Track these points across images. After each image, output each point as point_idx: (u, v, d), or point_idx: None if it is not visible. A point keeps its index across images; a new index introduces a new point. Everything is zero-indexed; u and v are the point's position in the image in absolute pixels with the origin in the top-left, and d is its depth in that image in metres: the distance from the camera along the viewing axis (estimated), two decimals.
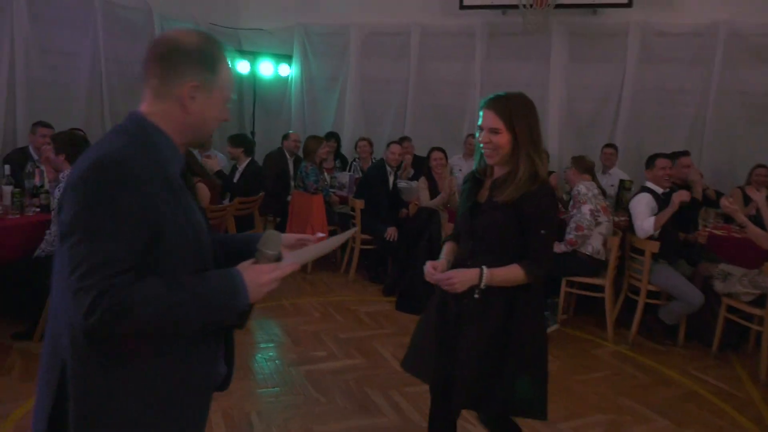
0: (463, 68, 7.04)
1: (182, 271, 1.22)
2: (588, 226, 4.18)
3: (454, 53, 7.08)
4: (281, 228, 5.67)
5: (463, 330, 1.97)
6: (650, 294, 4.22)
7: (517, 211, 1.88)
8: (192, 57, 1.26)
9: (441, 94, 7.15)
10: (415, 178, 5.77)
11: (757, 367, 3.79)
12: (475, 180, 2.07)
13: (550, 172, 5.68)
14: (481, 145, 1.94)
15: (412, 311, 4.47)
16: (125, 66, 6.18)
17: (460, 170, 6.07)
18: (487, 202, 1.97)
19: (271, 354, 3.73)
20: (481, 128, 1.94)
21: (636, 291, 4.28)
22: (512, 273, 1.89)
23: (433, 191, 5.18)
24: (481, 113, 1.94)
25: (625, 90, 6.50)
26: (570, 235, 4.23)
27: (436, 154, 5.27)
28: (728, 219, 5.27)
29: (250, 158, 5.40)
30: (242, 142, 5.44)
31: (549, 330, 4.16)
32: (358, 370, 3.53)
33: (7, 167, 3.95)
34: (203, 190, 4.49)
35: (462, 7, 6.61)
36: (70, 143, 3.45)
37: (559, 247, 4.27)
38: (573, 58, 6.68)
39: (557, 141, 6.69)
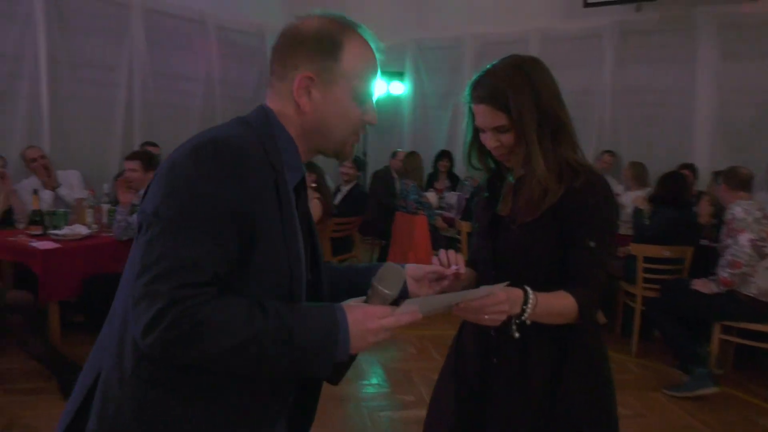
0: (590, 75, 6.27)
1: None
2: (748, 262, 3.29)
3: (579, 59, 6.34)
4: (384, 252, 5.31)
5: (492, 399, 1.43)
6: None
7: (556, 220, 1.31)
8: (306, 43, 1.03)
9: (567, 106, 6.40)
10: None
11: None
12: (491, 187, 1.51)
13: (701, 193, 4.74)
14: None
15: None
16: (238, 88, 6.28)
17: None
18: (510, 216, 1.40)
19: (352, 394, 3.32)
20: (480, 129, 1.39)
21: None
22: (559, 302, 1.28)
23: None
24: (469, 108, 1.40)
25: None
26: (724, 274, 3.36)
27: None
28: None
29: (355, 181, 5.15)
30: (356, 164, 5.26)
31: (702, 392, 3.31)
32: None
33: (106, 185, 3.99)
34: (316, 208, 4.26)
35: (586, 5, 5.89)
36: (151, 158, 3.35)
37: (708, 287, 3.43)
38: (725, 56, 5.65)
39: (708, 155, 5.65)
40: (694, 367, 3.38)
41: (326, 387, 3.42)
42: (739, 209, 3.37)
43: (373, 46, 1.10)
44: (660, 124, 5.98)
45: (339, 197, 5.08)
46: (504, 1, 6.67)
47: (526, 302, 1.23)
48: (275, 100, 1.07)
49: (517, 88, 1.32)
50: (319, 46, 1.03)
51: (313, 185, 4.29)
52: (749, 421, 3.15)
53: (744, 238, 3.30)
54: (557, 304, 1.28)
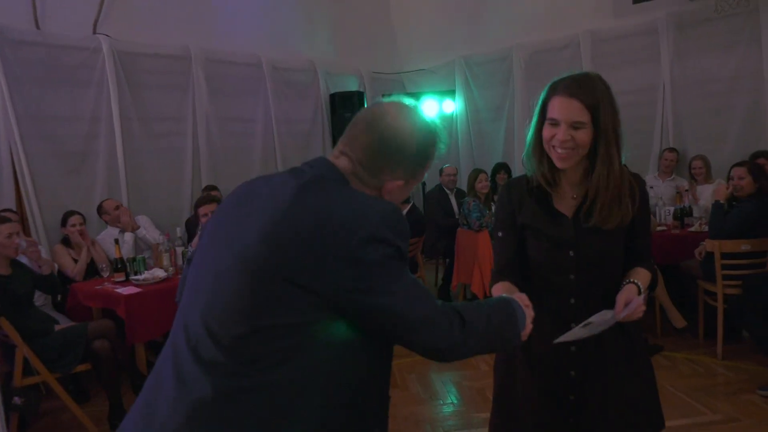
0: (647, 72, 6.07)
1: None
2: None
3: (634, 56, 6.16)
4: (449, 270, 5.30)
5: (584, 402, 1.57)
6: None
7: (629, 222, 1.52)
8: (409, 158, 1.17)
9: (622, 106, 6.19)
10: None
11: None
12: (541, 192, 1.54)
13: None
14: (554, 145, 1.45)
15: None
16: (294, 124, 6.51)
17: (651, 187, 5.11)
18: (584, 220, 1.49)
19: (428, 415, 3.32)
20: (554, 121, 1.44)
21: None
22: (646, 278, 1.54)
23: None
24: (548, 101, 1.46)
25: None
26: None
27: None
28: None
29: (410, 204, 5.19)
30: None
31: None
32: None
33: (179, 229, 4.24)
34: None
35: (635, 1, 5.74)
36: None
37: None
38: None
39: None
40: None
41: (402, 409, 3.49)
42: None
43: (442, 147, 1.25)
44: (727, 114, 5.69)
45: None
46: (550, 8, 6.61)
47: (640, 292, 1.48)
48: (353, 179, 1.16)
49: (605, 93, 1.46)
50: (419, 160, 1.18)
51: None
52: None
53: None
54: (647, 280, 1.53)
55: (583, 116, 1.41)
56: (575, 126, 1.41)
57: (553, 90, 1.45)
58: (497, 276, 1.59)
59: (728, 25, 5.55)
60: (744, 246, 3.61)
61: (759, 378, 3.36)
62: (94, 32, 4.98)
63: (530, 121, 1.52)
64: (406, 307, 1.05)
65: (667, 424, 2.72)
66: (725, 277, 3.68)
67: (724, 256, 3.65)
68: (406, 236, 1.08)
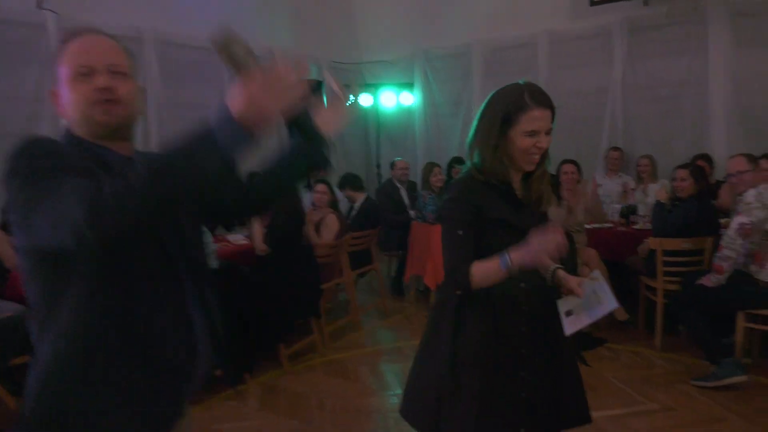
0: (600, 73, 6.25)
1: None
2: (728, 244, 3.30)
3: (588, 58, 6.33)
4: (403, 261, 5.34)
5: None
6: None
7: None
8: None
9: (575, 105, 6.39)
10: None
11: None
12: (503, 188, 1.66)
13: (719, 183, 4.68)
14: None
15: None
16: None
17: (600, 185, 5.29)
18: (535, 207, 1.72)
19: (379, 406, 3.34)
20: (535, 132, 1.58)
21: None
22: None
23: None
24: (523, 112, 1.56)
25: None
26: (714, 260, 3.40)
27: (567, 167, 4.57)
28: None
29: (365, 194, 5.20)
30: (346, 181, 5.29)
31: (731, 381, 3.26)
32: None
33: None
34: (333, 224, 4.34)
35: (593, 3, 5.89)
36: None
37: (709, 280, 3.40)
38: (738, 44, 5.58)
39: (724, 144, 5.57)
40: (721, 357, 3.34)
41: (353, 400, 3.50)
42: (752, 192, 3.34)
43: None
44: (675, 117, 5.93)
45: (354, 212, 5.14)
46: (509, 5, 6.70)
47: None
48: None
49: None
50: None
51: (328, 203, 4.37)
52: None
53: (735, 222, 3.30)
54: None
55: (550, 123, 1.60)
56: (548, 132, 1.60)
57: (528, 103, 1.55)
58: (465, 264, 1.60)
59: (678, 33, 5.76)
60: (684, 244, 3.77)
61: (694, 369, 3.53)
62: (39, 7, 4.75)
63: (491, 127, 1.59)
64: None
65: (607, 412, 2.83)
66: (666, 274, 3.85)
67: (665, 253, 3.81)
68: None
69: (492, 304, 1.65)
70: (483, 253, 1.58)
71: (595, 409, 2.98)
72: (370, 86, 7.27)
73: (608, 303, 1.64)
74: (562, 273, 1.77)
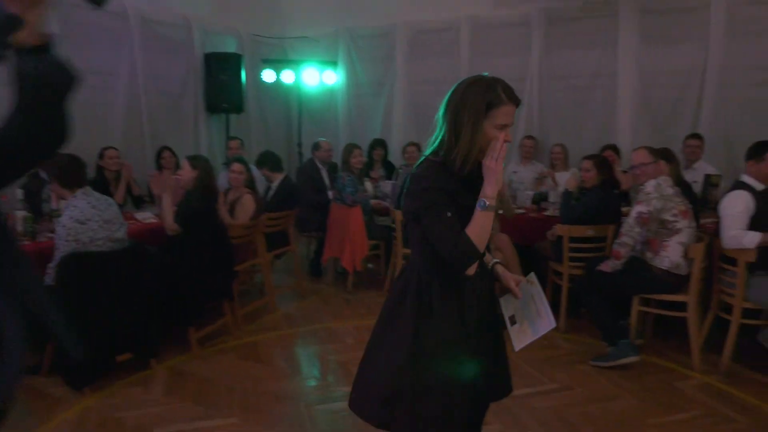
0: (519, 61, 6.41)
1: None
2: (627, 231, 3.53)
3: (509, 46, 6.47)
4: (322, 243, 5.29)
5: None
6: (747, 312, 3.44)
7: None
8: None
9: None
10: None
11: None
12: (471, 177, 1.70)
13: (623, 172, 4.95)
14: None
15: None
16: (164, 82, 6.07)
17: (515, 172, 5.45)
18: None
19: (291, 390, 3.31)
20: (505, 126, 1.65)
21: (728, 309, 3.51)
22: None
23: None
24: (497, 107, 1.63)
25: (709, 71, 5.63)
26: (614, 246, 3.61)
27: None
28: None
29: (283, 174, 5.07)
30: (264, 160, 5.12)
31: (625, 361, 3.49)
32: None
33: (20, 192, 3.81)
34: (248, 204, 4.19)
35: None
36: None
37: (608, 266, 3.61)
38: (645, 40, 5.88)
39: (630, 135, 5.89)
40: (617, 338, 3.55)
41: (264, 384, 3.44)
42: (652, 183, 3.54)
43: None
44: (586, 107, 6.19)
45: (271, 192, 5.02)
46: None
47: None
48: None
49: None
50: None
51: (244, 182, 4.23)
52: (667, 385, 3.34)
53: (635, 210, 3.51)
54: None
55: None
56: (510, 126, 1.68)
57: (503, 98, 1.62)
58: (463, 235, 1.63)
59: (592, 26, 5.99)
60: (588, 231, 3.96)
61: (594, 350, 3.74)
62: None
63: (473, 119, 1.61)
64: None
65: (513, 393, 2.93)
66: (571, 259, 4.03)
67: (570, 240, 3.99)
68: None
69: (458, 292, 1.72)
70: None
71: None
72: (292, 63, 7.08)
73: (548, 320, 1.73)
74: (500, 268, 1.87)
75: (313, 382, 3.46)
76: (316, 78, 7.12)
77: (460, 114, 1.62)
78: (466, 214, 1.65)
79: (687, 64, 5.73)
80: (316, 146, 5.78)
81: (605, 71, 6.06)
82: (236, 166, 4.25)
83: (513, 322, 1.82)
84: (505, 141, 1.63)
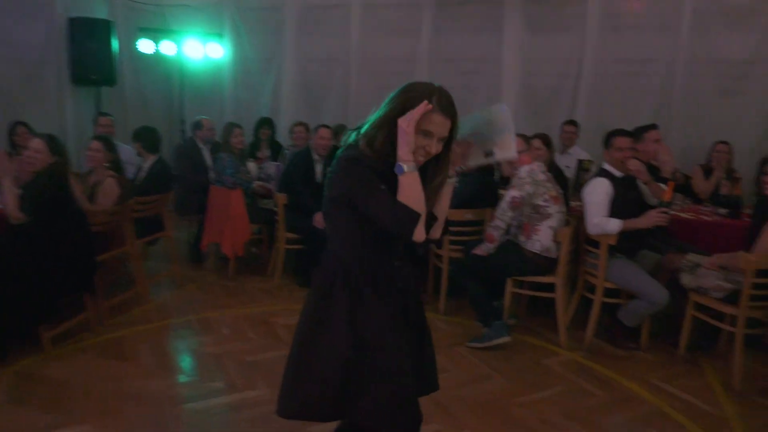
0: (410, 43, 6.40)
1: None
2: (500, 215, 3.65)
3: (400, 27, 6.44)
4: (202, 228, 5.00)
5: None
6: (609, 292, 3.66)
7: None
8: None
9: (387, 73, 6.50)
10: None
11: (731, 374, 3.26)
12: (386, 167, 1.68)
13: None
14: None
15: None
16: (19, 49, 5.47)
17: None
18: None
19: (155, 389, 3.08)
20: (429, 134, 1.62)
21: (592, 289, 3.72)
22: None
23: None
24: (431, 114, 1.61)
25: (586, 62, 5.92)
26: (488, 229, 3.73)
27: None
28: (697, 200, 4.77)
29: (157, 156, 4.69)
30: (140, 135, 4.71)
31: (498, 342, 3.59)
32: (259, 405, 2.90)
33: None
34: (112, 188, 3.82)
35: None
36: None
37: (482, 249, 3.70)
38: (529, 29, 6.08)
39: (514, 120, 6.07)
40: (491, 319, 3.65)
41: (127, 384, 3.19)
42: (525, 169, 3.65)
43: None
44: (473, 91, 6.31)
45: (143, 174, 4.65)
46: None
47: None
48: None
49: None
50: None
51: (107, 164, 3.86)
52: (536, 363, 3.49)
53: (508, 195, 3.62)
54: None
55: (447, 132, 1.65)
56: (441, 139, 1.64)
57: (434, 105, 1.59)
58: (400, 204, 1.61)
59: (479, 11, 6.09)
60: (467, 215, 4.03)
61: (471, 331, 3.83)
62: None
63: (391, 114, 1.62)
64: None
65: None
66: (451, 243, 4.09)
67: (451, 223, 4.03)
68: None
69: (386, 278, 1.75)
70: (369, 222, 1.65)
71: None
72: (173, 33, 6.60)
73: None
74: None
75: (183, 379, 3.25)
76: (199, 51, 6.70)
77: (389, 107, 1.65)
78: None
79: (566, 53, 5.99)
80: (197, 125, 5.45)
81: (491, 57, 6.20)
82: (94, 144, 3.85)
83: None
84: (426, 150, 1.63)
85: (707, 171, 5.00)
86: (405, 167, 1.59)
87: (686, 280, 3.45)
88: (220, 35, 6.83)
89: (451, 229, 4.05)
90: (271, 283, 4.77)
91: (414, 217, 1.60)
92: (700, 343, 3.67)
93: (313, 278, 1.83)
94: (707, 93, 5.62)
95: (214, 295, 4.53)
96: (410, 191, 1.61)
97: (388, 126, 1.62)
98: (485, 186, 4.14)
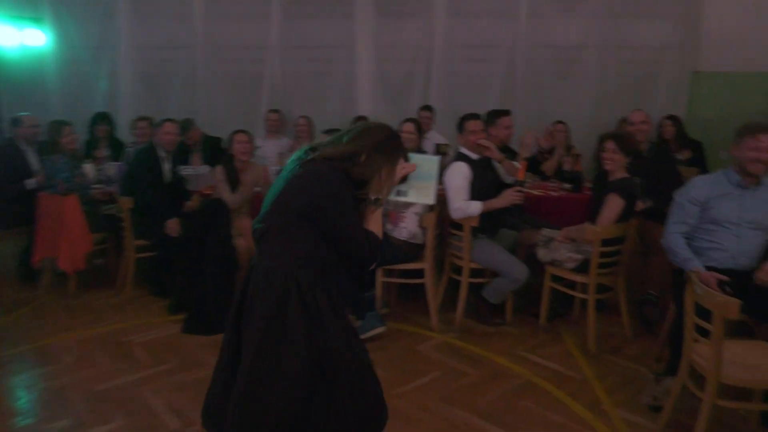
0: (259, 29, 6.08)
1: None
2: None
3: (247, 11, 6.09)
4: (31, 240, 4.35)
5: None
6: (473, 272, 3.77)
7: None
8: None
9: (235, 61, 6.14)
10: (210, 163, 4.82)
11: (585, 338, 3.52)
12: None
13: None
14: None
15: (204, 332, 3.58)
16: None
17: (259, 147, 5.18)
18: None
19: None
20: None
21: (459, 270, 3.81)
22: None
23: (236, 183, 4.17)
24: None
25: (436, 47, 6.05)
26: None
27: (241, 137, 4.20)
28: (545, 177, 5.09)
29: None
30: None
31: (373, 333, 3.53)
32: None
33: None
34: None
35: None
36: None
37: None
38: (380, 14, 6.05)
39: (371, 107, 6.07)
40: (364, 311, 3.59)
41: None
42: None
43: None
44: (328, 78, 6.17)
45: None
46: None
47: None
48: None
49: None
50: None
51: None
52: (410, 350, 3.49)
53: None
54: None
55: None
56: None
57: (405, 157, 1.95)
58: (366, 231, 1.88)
59: None
60: None
61: None
62: None
63: (387, 168, 1.90)
64: None
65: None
66: None
67: None
68: None
69: (343, 305, 1.85)
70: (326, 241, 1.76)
71: None
72: None
73: None
74: None
75: (21, 422, 2.77)
76: (15, 38, 5.83)
77: (380, 158, 1.81)
78: None
79: (417, 39, 6.06)
80: (16, 122, 4.71)
81: (344, 43, 6.10)
82: None
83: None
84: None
85: (550, 151, 5.35)
86: (380, 204, 1.85)
87: (542, 254, 3.65)
88: (38, 19, 5.99)
89: None
90: (122, 296, 4.29)
91: (378, 245, 1.82)
92: (558, 311, 3.92)
93: (256, 300, 1.71)
94: (545, 76, 6.01)
95: (53, 317, 3.96)
96: (378, 224, 1.86)
97: (373, 167, 1.78)
98: None
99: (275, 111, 5.67)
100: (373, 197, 1.80)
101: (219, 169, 4.16)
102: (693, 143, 5.30)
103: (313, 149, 1.83)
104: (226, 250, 3.81)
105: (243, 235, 3.94)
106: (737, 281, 2.62)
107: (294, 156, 1.86)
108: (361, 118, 5.54)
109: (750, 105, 5.75)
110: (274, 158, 5.10)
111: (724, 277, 2.63)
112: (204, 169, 4.68)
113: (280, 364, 1.65)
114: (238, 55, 6.08)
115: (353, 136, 1.83)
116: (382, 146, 1.83)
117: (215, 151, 5.13)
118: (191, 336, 3.60)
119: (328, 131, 4.05)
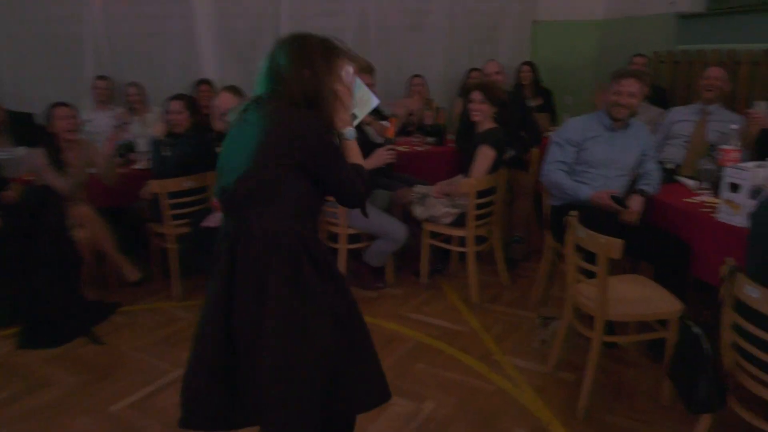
0: None
1: None
2: None
3: None
4: None
5: None
6: (352, 238, 3.60)
7: None
8: None
9: (44, 21, 5.17)
10: (25, 144, 4.04)
11: (467, 290, 3.54)
12: None
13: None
14: None
15: (47, 344, 3.02)
16: None
17: (90, 121, 4.47)
18: None
19: None
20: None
21: (335, 238, 3.61)
22: None
23: (62, 165, 3.50)
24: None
25: (283, 4, 5.63)
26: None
27: (62, 111, 3.52)
28: (407, 133, 5.03)
29: None
30: None
31: None
32: None
33: None
34: None
35: None
36: None
37: (211, 221, 3.27)
38: None
39: (217, 69, 5.52)
40: None
41: None
42: None
43: None
44: (164, 38, 5.48)
45: None
46: None
47: None
48: None
49: None
50: None
51: None
52: None
53: None
54: None
55: None
56: None
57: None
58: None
59: None
60: (186, 183, 3.47)
61: None
62: None
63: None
64: None
65: (130, 399, 2.35)
66: (174, 217, 3.50)
67: (170, 195, 3.44)
68: None
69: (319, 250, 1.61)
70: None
71: (116, 401, 2.45)
72: None
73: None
74: None
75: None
76: None
77: (320, 73, 1.57)
78: None
79: None
80: None
81: None
82: None
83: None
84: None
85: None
86: (350, 132, 1.62)
87: (418, 211, 3.57)
88: None
89: (172, 201, 3.46)
90: None
91: (368, 177, 1.65)
92: (437, 267, 3.90)
93: (260, 268, 1.49)
94: (398, 30, 5.90)
95: None
96: (357, 155, 1.65)
97: (325, 91, 1.54)
98: (202, 146, 3.60)
99: (103, 78, 4.91)
100: (343, 130, 1.62)
101: (39, 152, 3.50)
102: (544, 91, 5.56)
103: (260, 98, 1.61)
104: (63, 245, 3.23)
105: (83, 224, 3.37)
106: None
107: (241, 107, 1.64)
108: (204, 81, 5.03)
109: (583, 52, 6.16)
110: (108, 131, 4.43)
111: (615, 191, 2.75)
112: (21, 150, 3.91)
113: (306, 327, 1.51)
114: (46, 13, 5.13)
115: (290, 60, 1.58)
116: (312, 65, 1.57)
117: (27, 130, 4.32)
118: (32, 351, 3.01)
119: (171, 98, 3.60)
